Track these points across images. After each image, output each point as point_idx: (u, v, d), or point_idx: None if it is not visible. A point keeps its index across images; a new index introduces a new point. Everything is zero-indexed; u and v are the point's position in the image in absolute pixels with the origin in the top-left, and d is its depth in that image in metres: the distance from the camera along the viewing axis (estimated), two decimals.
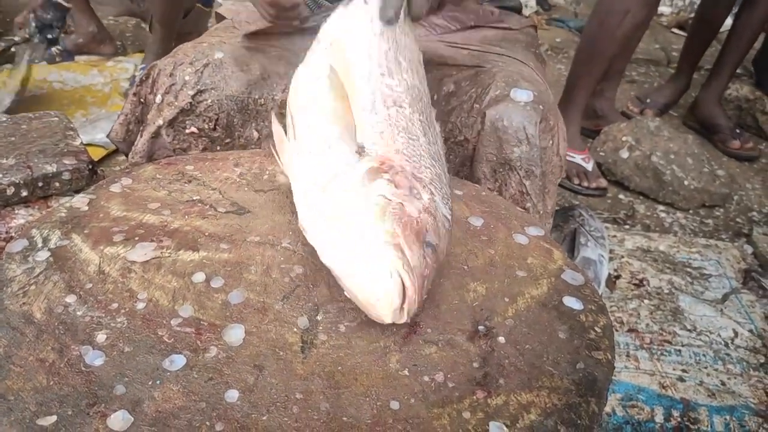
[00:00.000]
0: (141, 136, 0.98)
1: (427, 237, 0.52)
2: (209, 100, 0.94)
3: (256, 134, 0.99)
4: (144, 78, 0.98)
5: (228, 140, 0.98)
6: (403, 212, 0.53)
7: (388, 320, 0.49)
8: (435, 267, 0.53)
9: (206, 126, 0.96)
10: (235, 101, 0.95)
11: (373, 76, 0.65)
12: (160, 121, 0.95)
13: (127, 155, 1.03)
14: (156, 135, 0.96)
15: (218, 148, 0.97)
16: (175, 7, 1.99)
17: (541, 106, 0.87)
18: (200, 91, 0.94)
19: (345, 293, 0.53)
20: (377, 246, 0.50)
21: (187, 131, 0.96)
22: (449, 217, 0.58)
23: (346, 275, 0.51)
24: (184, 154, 0.95)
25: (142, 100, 1.00)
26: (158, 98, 0.95)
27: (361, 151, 0.58)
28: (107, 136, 1.08)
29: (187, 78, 0.94)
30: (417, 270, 0.50)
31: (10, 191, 0.88)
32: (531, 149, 0.86)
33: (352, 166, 0.56)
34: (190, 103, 0.94)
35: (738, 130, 2.05)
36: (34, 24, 2.01)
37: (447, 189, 0.60)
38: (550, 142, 0.89)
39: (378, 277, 0.49)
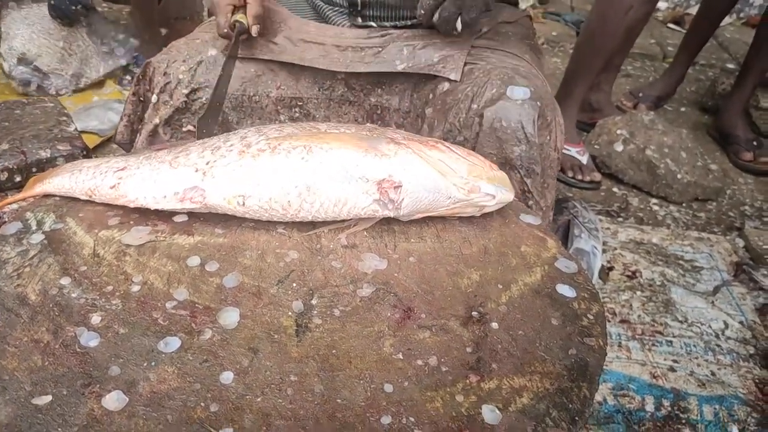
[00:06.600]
0: (140, 135, 0.97)
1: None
2: (204, 98, 0.93)
3: None
4: (141, 76, 0.97)
5: None
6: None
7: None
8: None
9: None
10: (230, 98, 0.94)
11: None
12: (157, 120, 0.94)
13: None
14: (153, 133, 0.95)
15: None
16: None
17: (538, 103, 0.87)
18: (194, 90, 0.93)
19: None
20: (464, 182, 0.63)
21: (183, 129, 0.95)
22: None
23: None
24: None
25: (141, 98, 0.99)
26: (154, 97, 0.94)
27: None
28: (114, 140, 1.06)
29: (181, 76, 0.93)
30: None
31: (4, 176, 0.88)
32: (530, 148, 0.86)
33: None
34: (185, 101, 0.93)
35: (755, 143, 1.94)
36: None
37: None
38: (548, 137, 0.89)
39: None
